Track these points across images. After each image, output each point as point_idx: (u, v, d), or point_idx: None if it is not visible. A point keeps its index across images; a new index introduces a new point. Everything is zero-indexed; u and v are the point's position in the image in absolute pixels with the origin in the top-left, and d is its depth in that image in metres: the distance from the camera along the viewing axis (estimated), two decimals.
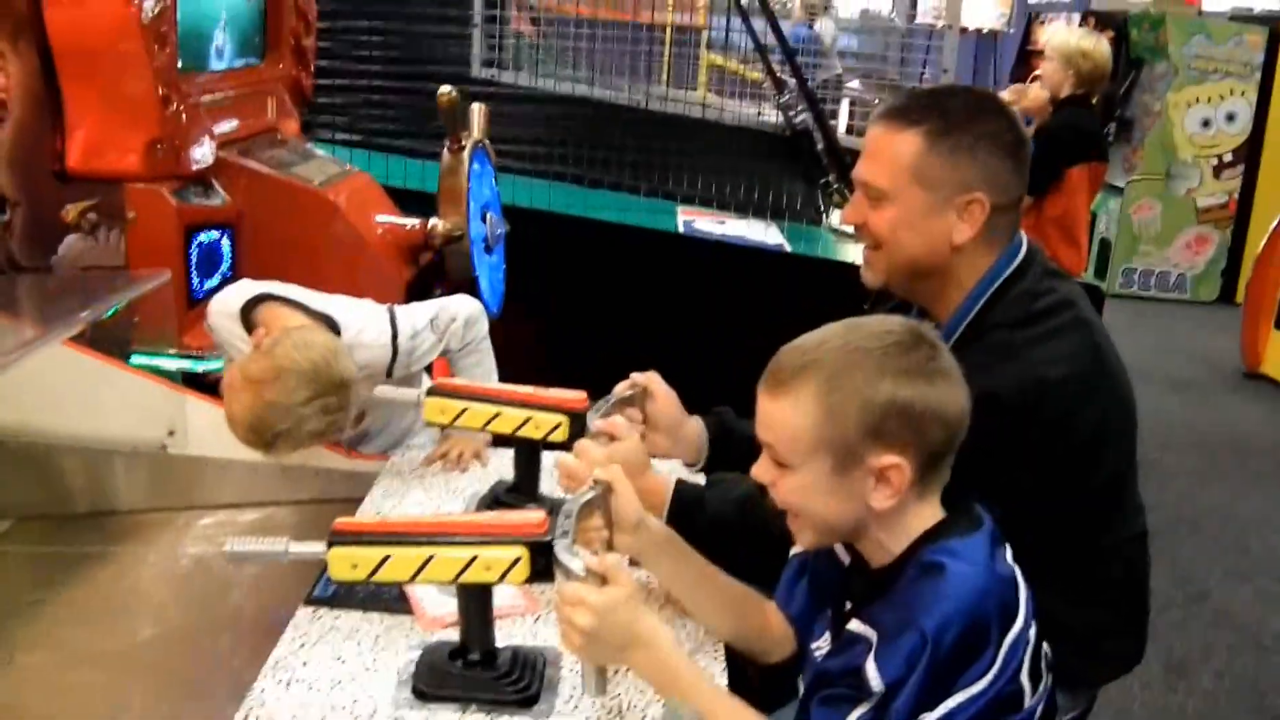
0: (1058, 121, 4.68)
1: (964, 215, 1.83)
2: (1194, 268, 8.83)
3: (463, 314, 2.54)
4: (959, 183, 1.82)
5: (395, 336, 2.43)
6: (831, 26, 7.49)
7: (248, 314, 2.35)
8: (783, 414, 1.48)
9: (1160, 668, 3.61)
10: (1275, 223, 6.69)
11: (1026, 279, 1.87)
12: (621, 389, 2.09)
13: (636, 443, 1.94)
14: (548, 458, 2.25)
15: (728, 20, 6.10)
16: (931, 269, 1.88)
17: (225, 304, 2.40)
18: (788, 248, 4.52)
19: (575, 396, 2.08)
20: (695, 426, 2.18)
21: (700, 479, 2.10)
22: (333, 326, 2.34)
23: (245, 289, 2.41)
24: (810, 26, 7.24)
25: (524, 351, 3.41)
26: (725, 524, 1.86)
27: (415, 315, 2.48)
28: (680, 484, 1.94)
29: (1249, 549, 4.61)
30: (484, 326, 2.59)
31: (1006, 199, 1.85)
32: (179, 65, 2.90)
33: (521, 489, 2.19)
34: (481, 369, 2.60)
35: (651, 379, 2.12)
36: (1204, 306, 8.74)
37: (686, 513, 1.90)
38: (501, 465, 2.40)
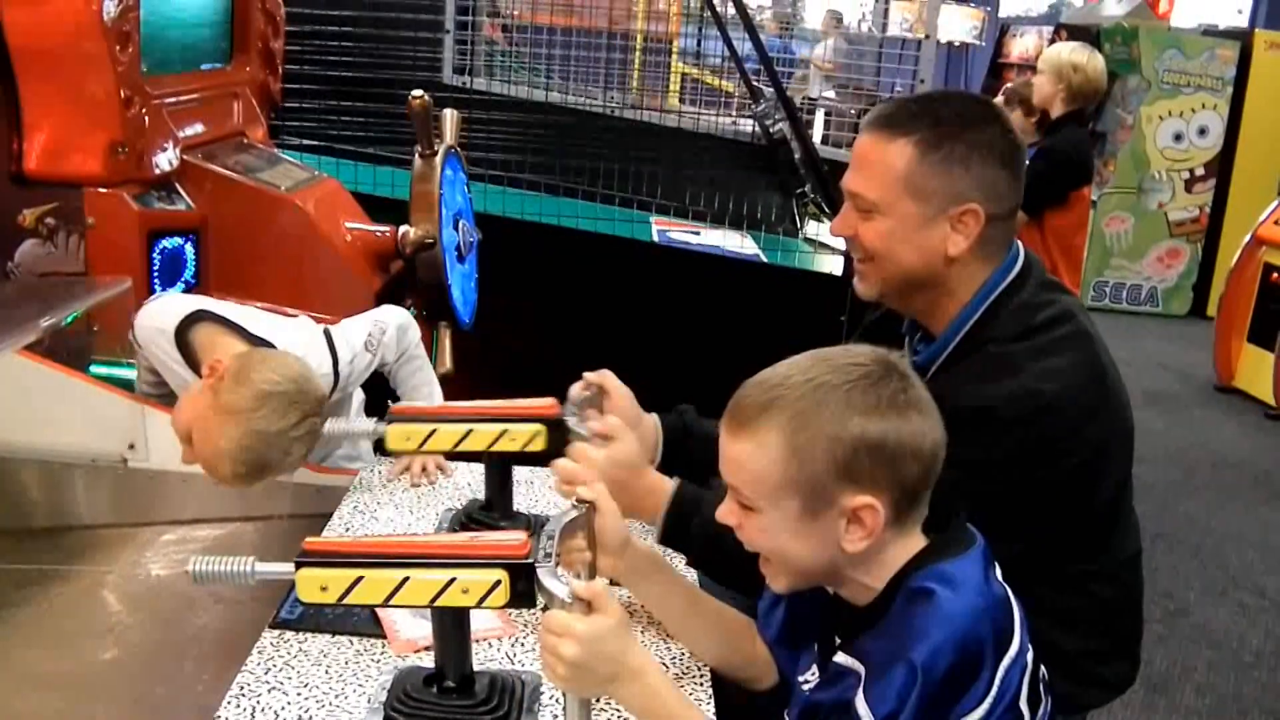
0: (1060, 141, 4.55)
1: (958, 226, 1.78)
2: (1165, 281, 8.87)
3: (393, 324, 2.48)
4: (953, 193, 1.77)
5: (336, 363, 2.36)
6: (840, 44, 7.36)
7: (183, 334, 2.26)
8: (746, 455, 1.42)
9: (1141, 685, 3.55)
10: (1248, 237, 6.72)
11: (1024, 291, 1.82)
12: (577, 390, 2.03)
13: (634, 442, 1.86)
14: (519, 472, 2.18)
15: (699, 29, 6.07)
16: (926, 281, 1.83)
17: (158, 320, 2.30)
18: (763, 258, 4.47)
19: (546, 404, 2.01)
20: (651, 424, 2.12)
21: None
22: None
23: (176, 305, 2.32)
24: (781, 39, 7.20)
25: (497, 362, 3.35)
26: (719, 525, 1.78)
27: (352, 337, 2.41)
28: (682, 484, 1.86)
29: (1227, 564, 4.60)
30: (416, 333, 2.54)
31: (1002, 209, 1.80)
32: (142, 67, 2.82)
33: (494, 506, 2.11)
34: (422, 375, 2.55)
35: (605, 377, 2.06)
36: (1175, 320, 8.79)
37: (682, 513, 1.83)
38: (475, 480, 2.34)
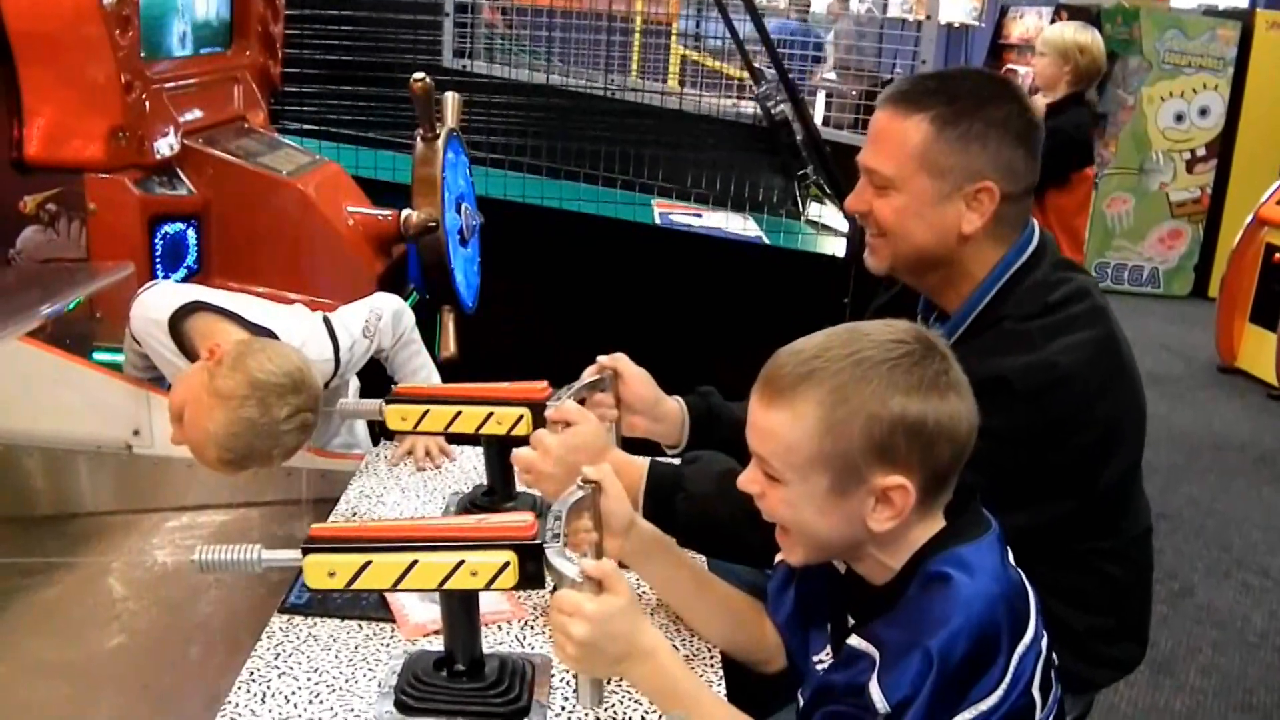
0: (1063, 122, 4.47)
1: (973, 204, 1.77)
2: (1167, 262, 8.85)
3: (388, 310, 2.49)
4: (968, 170, 1.75)
5: (337, 350, 2.36)
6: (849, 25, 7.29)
7: (177, 324, 2.24)
8: (780, 425, 1.39)
9: (1146, 666, 3.54)
10: (1249, 217, 6.70)
11: (1039, 270, 1.81)
12: (589, 374, 2.02)
13: (594, 425, 1.85)
14: None
15: (700, 10, 6.04)
16: (939, 259, 1.81)
17: (152, 311, 2.29)
18: (765, 240, 4.46)
19: (536, 387, 2.01)
20: (674, 406, 2.10)
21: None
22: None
23: (170, 296, 2.31)
24: (800, 22, 7.13)
25: (500, 346, 3.34)
26: (704, 499, 1.77)
27: (350, 323, 2.42)
28: (655, 461, 1.85)
29: (1230, 545, 4.59)
30: (410, 318, 2.55)
31: (1018, 187, 1.79)
32: (142, 51, 2.80)
33: (496, 490, 2.11)
34: (419, 360, 2.56)
35: (619, 360, 2.04)
36: (1177, 301, 8.76)
37: (664, 488, 1.81)
38: (481, 463, 2.33)
